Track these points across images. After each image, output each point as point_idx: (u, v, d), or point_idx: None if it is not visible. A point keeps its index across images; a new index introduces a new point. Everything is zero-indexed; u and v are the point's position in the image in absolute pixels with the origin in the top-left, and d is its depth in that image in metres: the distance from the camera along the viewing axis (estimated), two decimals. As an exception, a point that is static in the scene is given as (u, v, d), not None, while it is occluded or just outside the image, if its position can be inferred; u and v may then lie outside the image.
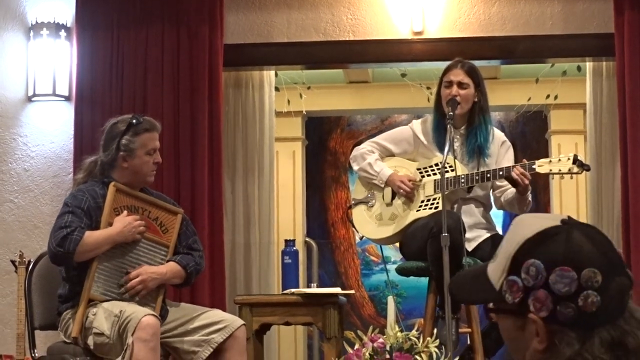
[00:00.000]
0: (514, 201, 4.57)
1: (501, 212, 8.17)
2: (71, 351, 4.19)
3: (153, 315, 4.00)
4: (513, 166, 4.44)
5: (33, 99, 5.96)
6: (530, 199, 4.56)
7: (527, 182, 4.40)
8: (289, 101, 7.33)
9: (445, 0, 5.91)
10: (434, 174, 4.63)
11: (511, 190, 4.59)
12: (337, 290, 4.87)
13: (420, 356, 3.69)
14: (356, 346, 3.77)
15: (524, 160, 4.44)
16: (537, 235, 1.55)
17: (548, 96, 7.39)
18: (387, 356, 3.66)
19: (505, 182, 4.61)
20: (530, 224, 1.58)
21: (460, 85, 4.64)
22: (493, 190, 4.71)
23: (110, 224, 4.14)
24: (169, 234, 4.30)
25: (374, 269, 9.23)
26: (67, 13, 5.98)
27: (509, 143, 4.79)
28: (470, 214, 4.63)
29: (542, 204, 8.57)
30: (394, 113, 8.91)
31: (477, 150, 4.64)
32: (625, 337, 1.51)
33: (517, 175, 4.37)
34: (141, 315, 3.93)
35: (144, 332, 3.90)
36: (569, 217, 1.58)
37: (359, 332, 3.83)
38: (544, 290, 1.51)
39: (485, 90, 4.72)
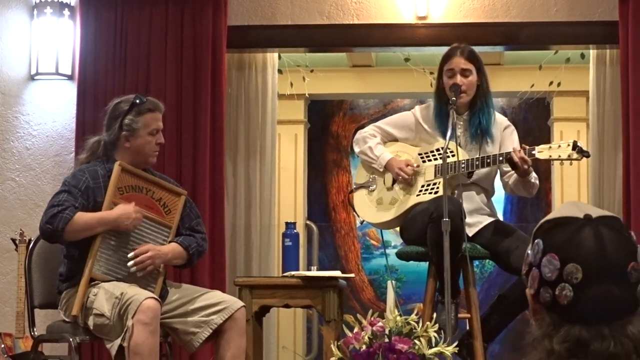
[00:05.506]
0: (519, 184, 4.56)
1: (502, 198, 8.23)
2: (71, 330, 4.20)
3: (154, 298, 4.00)
4: (513, 150, 4.41)
5: (36, 78, 5.96)
6: (534, 180, 4.53)
7: (526, 166, 4.37)
8: (291, 84, 7.32)
9: (450, -15, 5.90)
10: (435, 159, 4.62)
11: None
12: (337, 273, 4.86)
13: (419, 340, 3.69)
14: (355, 330, 3.77)
15: (525, 145, 4.42)
16: (555, 219, 1.62)
17: (551, 83, 7.38)
18: (386, 340, 3.67)
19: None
20: (562, 209, 1.64)
21: (463, 73, 4.60)
22: (501, 176, 4.69)
23: (115, 204, 4.14)
24: (171, 215, 4.30)
25: (374, 253, 9.24)
26: (71, -8, 5.97)
27: (512, 127, 4.74)
28: (471, 200, 4.61)
29: (543, 191, 8.57)
30: (397, 97, 8.90)
31: (479, 132, 4.61)
32: (592, 342, 1.54)
33: (517, 158, 4.35)
34: (142, 298, 3.94)
35: (144, 315, 3.91)
36: (600, 216, 1.61)
37: (359, 316, 3.83)
38: (537, 269, 1.59)
39: (486, 72, 4.68)
